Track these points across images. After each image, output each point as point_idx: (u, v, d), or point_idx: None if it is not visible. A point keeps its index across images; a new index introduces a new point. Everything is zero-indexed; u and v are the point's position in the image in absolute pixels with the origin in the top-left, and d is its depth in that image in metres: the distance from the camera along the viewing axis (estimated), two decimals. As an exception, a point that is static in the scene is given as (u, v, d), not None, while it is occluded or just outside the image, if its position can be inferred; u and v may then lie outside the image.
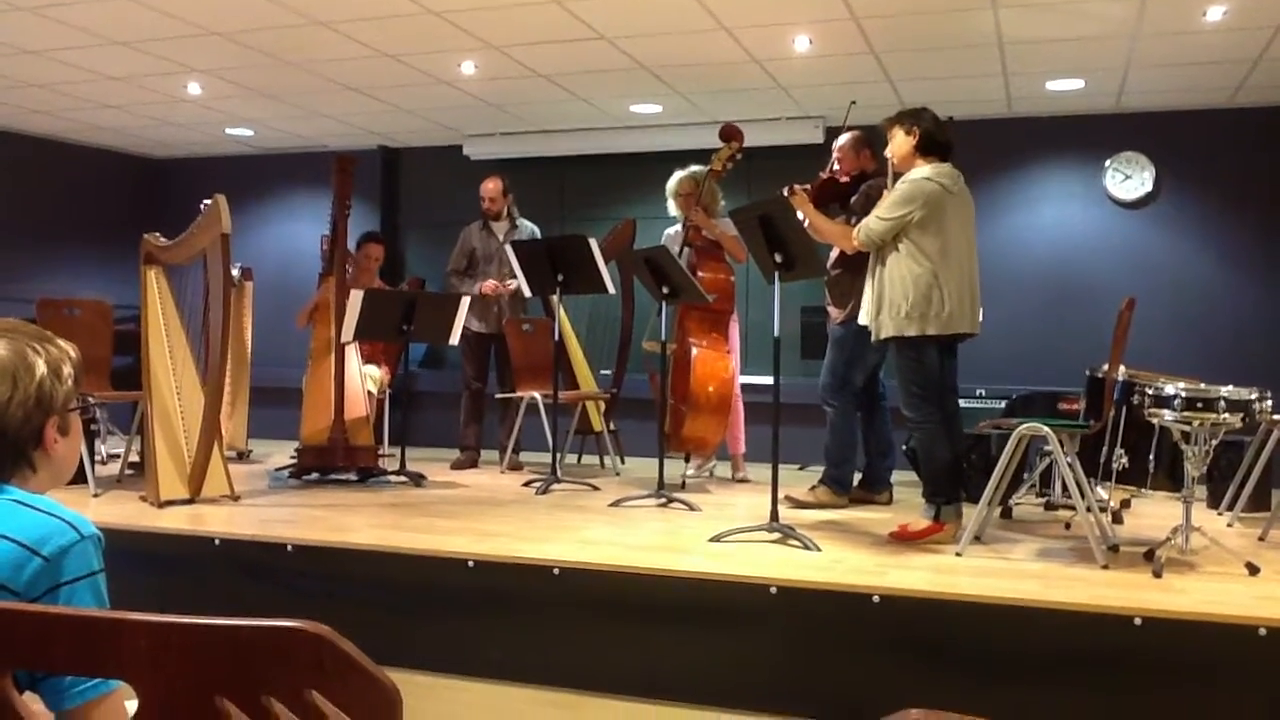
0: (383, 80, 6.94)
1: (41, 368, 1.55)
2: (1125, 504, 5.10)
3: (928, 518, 4.32)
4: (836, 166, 5.38)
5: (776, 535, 4.20)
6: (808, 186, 4.92)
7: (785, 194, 4.56)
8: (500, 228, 6.88)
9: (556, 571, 3.73)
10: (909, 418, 4.41)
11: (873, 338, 4.47)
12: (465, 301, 6.07)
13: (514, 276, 6.38)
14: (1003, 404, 6.36)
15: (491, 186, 6.87)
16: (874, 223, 4.36)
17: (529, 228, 6.95)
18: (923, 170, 4.36)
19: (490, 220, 6.88)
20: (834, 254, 5.26)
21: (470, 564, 3.84)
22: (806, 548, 4.05)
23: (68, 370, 1.60)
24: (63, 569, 1.45)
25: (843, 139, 5.40)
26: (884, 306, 4.34)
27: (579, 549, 4.01)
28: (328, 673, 1.00)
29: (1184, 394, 3.77)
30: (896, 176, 4.51)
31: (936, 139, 4.41)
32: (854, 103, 5.49)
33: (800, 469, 6.77)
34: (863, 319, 4.53)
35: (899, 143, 4.46)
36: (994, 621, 3.30)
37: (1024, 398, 5.89)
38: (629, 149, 8.10)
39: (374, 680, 0.99)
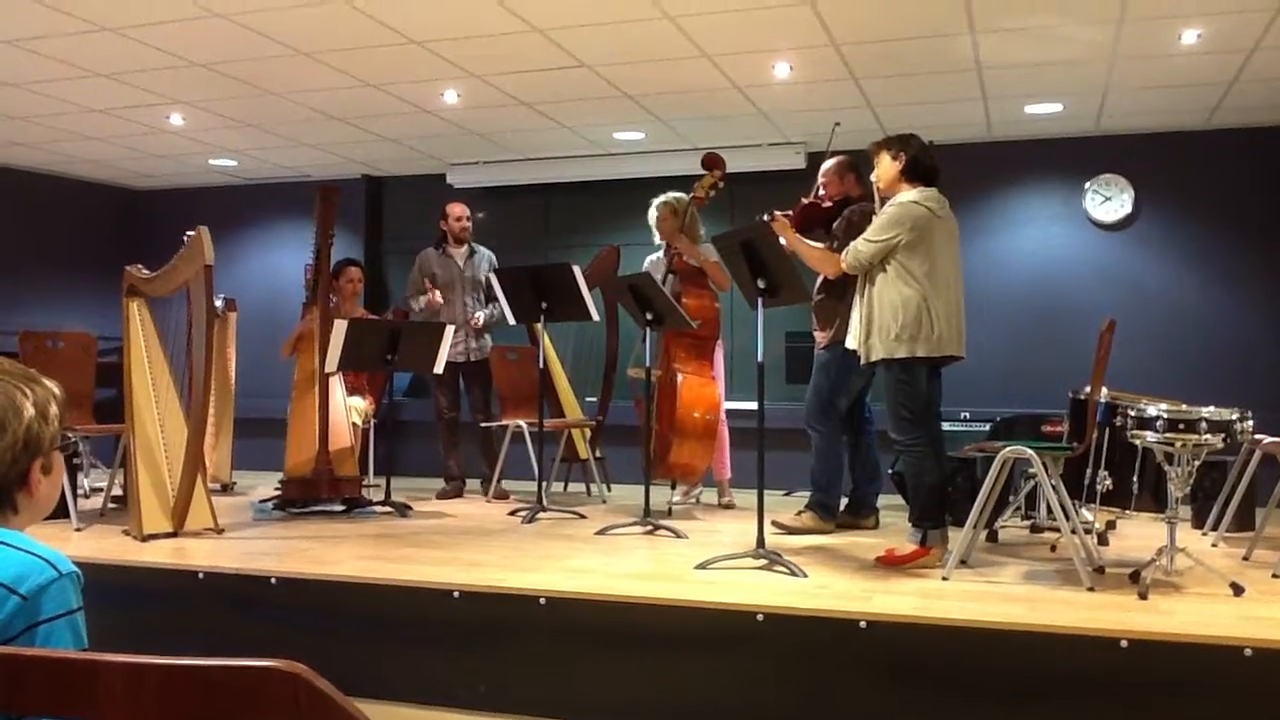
0: (365, 110, 6.96)
1: (29, 410, 1.53)
2: (1110, 525, 5.11)
3: (914, 542, 4.32)
4: (822, 191, 5.40)
5: (763, 562, 4.20)
6: (789, 212, 4.95)
7: (765, 220, 4.58)
8: (460, 253, 6.87)
9: (543, 601, 3.71)
10: (898, 441, 4.41)
11: (862, 361, 4.48)
12: (449, 330, 6.06)
13: (479, 304, 6.38)
14: (987, 427, 6.37)
15: (461, 208, 6.89)
16: (861, 245, 4.38)
17: (487, 254, 6.96)
18: (909, 194, 4.39)
19: (450, 244, 6.86)
20: (819, 278, 5.28)
21: (456, 595, 3.82)
22: (793, 574, 4.05)
23: (54, 410, 1.58)
24: (41, 607, 1.43)
25: (828, 164, 5.42)
26: (874, 329, 4.35)
27: (566, 578, 3.99)
28: (304, 711, 0.99)
29: (1166, 415, 3.78)
30: (883, 201, 4.54)
31: (923, 165, 4.44)
32: (838, 124, 5.52)
33: (786, 494, 6.76)
34: (850, 342, 4.54)
35: (885, 167, 4.49)
36: (981, 646, 3.30)
37: (1008, 420, 5.90)
38: (612, 176, 8.12)
39: (350, 718, 0.98)
